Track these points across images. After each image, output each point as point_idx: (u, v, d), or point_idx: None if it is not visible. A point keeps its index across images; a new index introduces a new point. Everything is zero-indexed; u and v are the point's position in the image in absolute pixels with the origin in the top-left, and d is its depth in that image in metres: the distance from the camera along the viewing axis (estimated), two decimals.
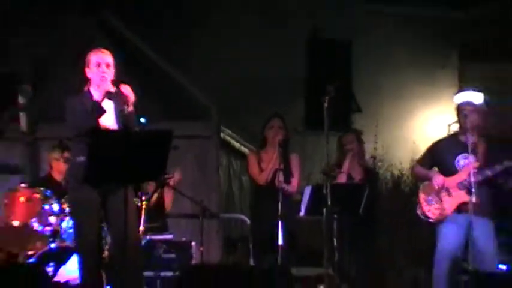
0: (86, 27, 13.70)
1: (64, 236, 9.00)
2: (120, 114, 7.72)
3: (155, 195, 10.24)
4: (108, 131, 7.63)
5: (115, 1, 13.70)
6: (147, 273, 9.35)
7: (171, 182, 10.24)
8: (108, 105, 7.74)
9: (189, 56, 15.27)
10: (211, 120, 12.96)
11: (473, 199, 8.37)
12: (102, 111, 7.62)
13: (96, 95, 7.69)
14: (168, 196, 10.71)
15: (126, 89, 7.69)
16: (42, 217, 8.95)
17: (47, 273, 7.89)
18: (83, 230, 7.69)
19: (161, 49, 13.46)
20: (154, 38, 13.81)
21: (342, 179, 9.93)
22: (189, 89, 13.27)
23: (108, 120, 7.76)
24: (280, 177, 9.40)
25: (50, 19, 13.00)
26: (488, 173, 8.64)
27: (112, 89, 7.67)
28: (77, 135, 7.66)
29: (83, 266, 7.72)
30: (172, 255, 9.96)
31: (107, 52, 8.00)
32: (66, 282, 8.76)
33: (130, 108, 7.65)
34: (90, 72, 7.87)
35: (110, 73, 7.84)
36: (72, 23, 13.36)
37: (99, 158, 7.21)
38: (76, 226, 7.89)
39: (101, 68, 7.83)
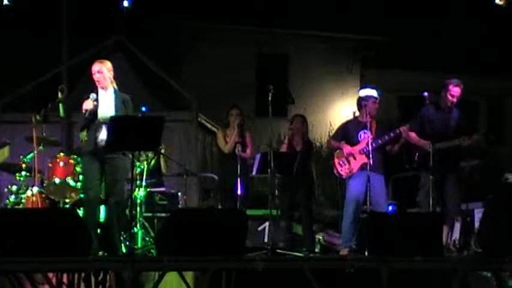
0: (106, 46, 13.56)
1: None
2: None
3: (153, 161, 10.11)
4: (121, 117, 7.49)
5: (128, 27, 13.58)
6: (146, 214, 9.29)
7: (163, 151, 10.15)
8: (107, 101, 7.63)
9: (180, 69, 15.82)
10: (192, 110, 12.94)
11: (371, 161, 8.40)
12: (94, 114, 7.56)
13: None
14: (163, 161, 10.60)
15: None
16: (75, 176, 8.83)
17: (78, 214, 7.77)
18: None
19: (162, 65, 13.42)
20: (159, 57, 13.86)
21: (283, 148, 9.81)
22: (179, 90, 13.32)
23: (108, 110, 7.62)
24: (239, 147, 9.33)
25: (80, 42, 12.88)
26: (379, 142, 8.63)
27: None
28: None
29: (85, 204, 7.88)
30: (165, 202, 9.86)
31: (98, 62, 7.79)
32: None
33: None
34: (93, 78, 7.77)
35: (102, 76, 7.69)
36: (94, 43, 13.24)
37: (116, 134, 7.25)
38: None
39: (94, 75, 7.72)
